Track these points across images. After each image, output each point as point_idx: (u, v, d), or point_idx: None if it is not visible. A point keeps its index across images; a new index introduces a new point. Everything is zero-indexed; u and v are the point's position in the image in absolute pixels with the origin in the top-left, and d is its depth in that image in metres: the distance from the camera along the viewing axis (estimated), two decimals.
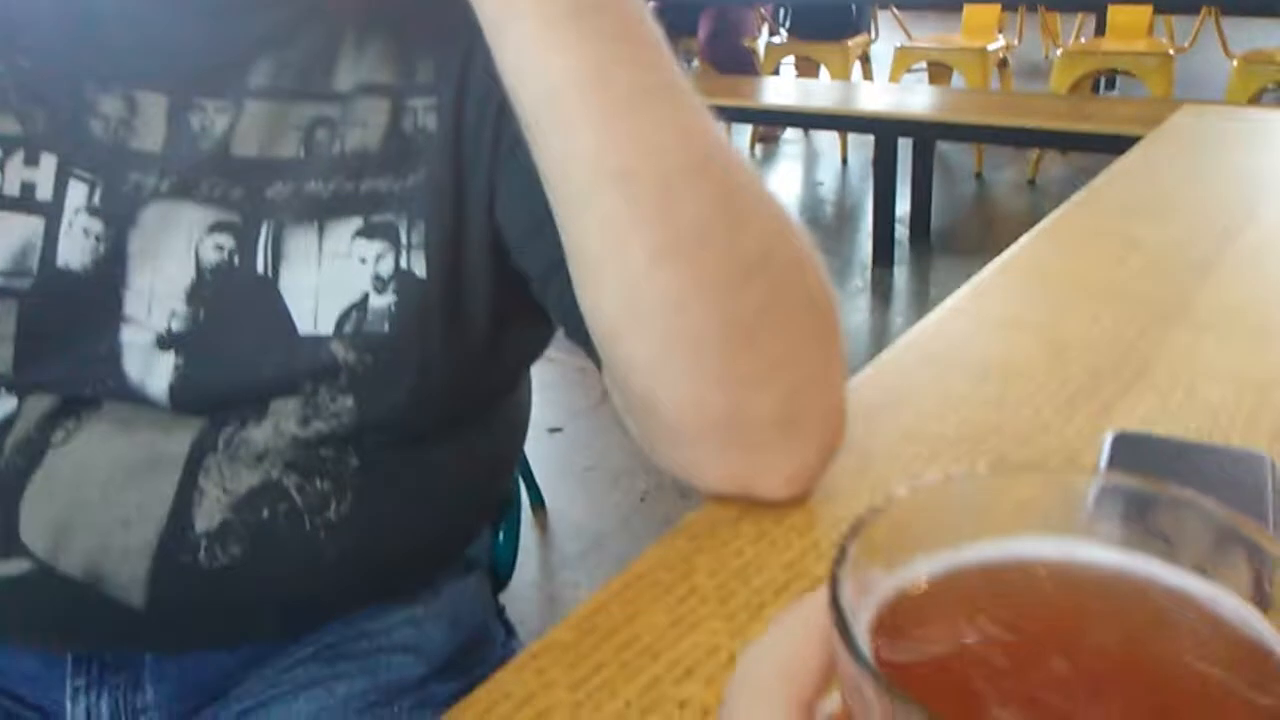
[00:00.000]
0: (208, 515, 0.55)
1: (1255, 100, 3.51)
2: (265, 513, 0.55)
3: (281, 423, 0.55)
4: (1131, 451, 0.52)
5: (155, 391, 0.54)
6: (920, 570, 0.22)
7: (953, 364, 0.64)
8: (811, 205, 4.52)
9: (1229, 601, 0.21)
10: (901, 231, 3.75)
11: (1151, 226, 0.88)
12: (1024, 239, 0.85)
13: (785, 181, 4.94)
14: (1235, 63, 3.57)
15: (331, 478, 0.56)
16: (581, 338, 0.53)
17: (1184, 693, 0.21)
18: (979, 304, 0.73)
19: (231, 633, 0.60)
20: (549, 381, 2.50)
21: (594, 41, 0.45)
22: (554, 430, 2.41)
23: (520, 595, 1.82)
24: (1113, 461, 0.51)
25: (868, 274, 3.52)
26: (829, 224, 4.30)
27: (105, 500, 0.53)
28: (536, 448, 2.28)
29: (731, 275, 0.47)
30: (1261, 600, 0.21)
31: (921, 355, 0.67)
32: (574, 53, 0.45)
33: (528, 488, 2.17)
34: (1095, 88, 4.47)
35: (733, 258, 0.47)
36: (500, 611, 0.76)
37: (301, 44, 0.56)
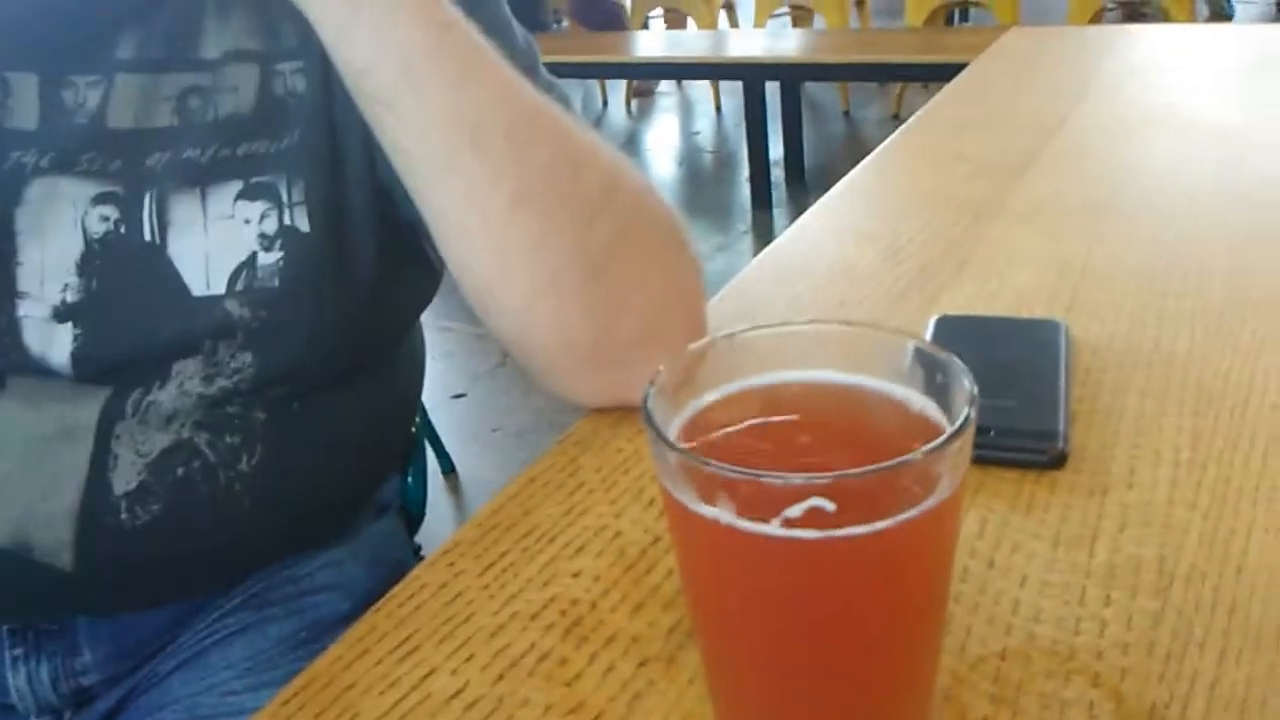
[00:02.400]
0: (124, 478, 0.58)
1: (1096, 20, 3.70)
2: (180, 470, 0.59)
3: (185, 383, 0.58)
4: (951, 329, 0.60)
5: (57, 363, 0.56)
6: (712, 394, 0.33)
7: (802, 274, 0.71)
8: (690, 155, 4.59)
9: (917, 398, 0.32)
10: (778, 174, 3.85)
11: (977, 138, 0.97)
12: (866, 160, 0.93)
13: (663, 133, 4.99)
14: None
15: (240, 432, 0.60)
16: None
17: (874, 440, 0.33)
18: (827, 220, 0.80)
19: (161, 589, 0.63)
20: (449, 350, 2.51)
21: (430, 11, 0.51)
22: (457, 396, 2.44)
23: None
24: (935, 339, 0.59)
25: (749, 217, 3.62)
26: (708, 171, 4.37)
27: (22, 474, 0.56)
28: (442, 414, 2.30)
29: (579, 213, 0.53)
30: (940, 395, 0.32)
31: (775, 269, 0.74)
32: (419, 25, 0.50)
33: (436, 454, 2.19)
34: (950, 19, 4.64)
35: (578, 197, 0.53)
36: (417, 551, 0.81)
37: (165, 14, 0.58)
